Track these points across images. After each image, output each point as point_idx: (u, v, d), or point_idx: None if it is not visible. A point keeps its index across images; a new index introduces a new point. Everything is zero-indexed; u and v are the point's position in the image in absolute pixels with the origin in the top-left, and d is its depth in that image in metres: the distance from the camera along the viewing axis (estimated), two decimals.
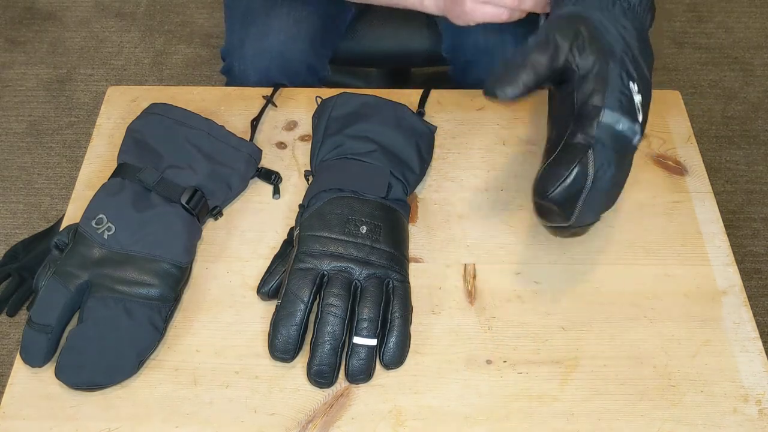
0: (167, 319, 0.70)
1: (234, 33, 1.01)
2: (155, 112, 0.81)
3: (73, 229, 0.72)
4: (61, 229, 0.75)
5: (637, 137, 0.69)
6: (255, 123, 0.85)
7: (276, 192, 0.81)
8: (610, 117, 0.67)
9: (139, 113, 0.82)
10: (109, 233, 0.71)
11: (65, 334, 0.69)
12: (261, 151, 0.83)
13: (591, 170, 0.66)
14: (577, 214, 0.68)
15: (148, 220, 0.73)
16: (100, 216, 0.72)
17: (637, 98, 0.68)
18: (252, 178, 0.81)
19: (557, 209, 0.68)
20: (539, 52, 0.69)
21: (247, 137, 0.84)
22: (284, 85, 0.91)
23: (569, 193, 0.66)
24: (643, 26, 0.72)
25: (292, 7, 0.97)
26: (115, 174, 0.76)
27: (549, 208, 0.69)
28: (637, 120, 0.68)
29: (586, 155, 0.66)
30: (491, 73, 0.70)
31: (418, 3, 0.85)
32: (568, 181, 0.66)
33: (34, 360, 0.67)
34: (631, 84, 0.68)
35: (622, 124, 0.67)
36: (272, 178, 0.81)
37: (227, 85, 1.01)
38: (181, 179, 0.76)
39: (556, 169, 0.67)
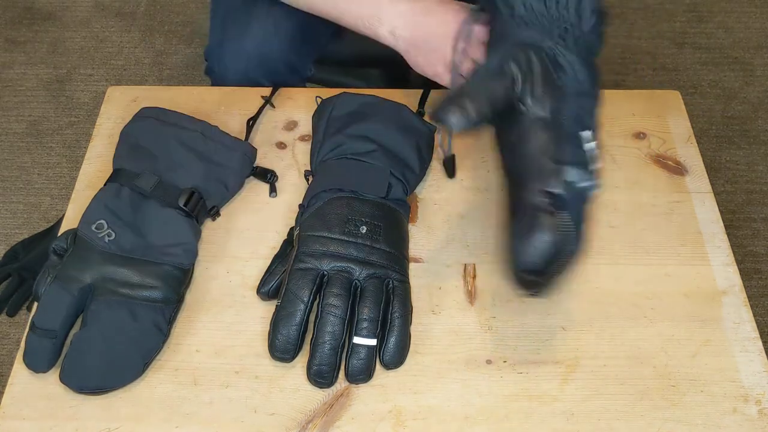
0: (171, 321, 0.70)
1: (215, 34, 1.01)
2: (148, 115, 0.81)
3: (72, 233, 0.72)
4: (60, 231, 0.75)
5: (592, 186, 0.63)
6: (251, 123, 0.85)
7: (272, 190, 0.81)
8: (570, 174, 0.62)
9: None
10: (110, 238, 0.71)
11: (68, 339, 0.68)
12: (256, 150, 0.83)
13: (565, 232, 0.62)
14: (556, 276, 0.64)
15: (148, 223, 0.73)
16: (100, 221, 0.72)
17: (589, 146, 0.63)
18: (248, 177, 0.81)
19: (541, 279, 0.64)
20: (494, 81, 0.64)
21: (245, 137, 0.84)
22: (279, 85, 0.91)
23: (551, 260, 0.62)
24: (591, 54, 0.67)
25: (272, 7, 0.97)
26: (112, 179, 0.76)
27: (532, 281, 0.65)
28: (589, 170, 0.63)
29: (554, 219, 0.61)
30: (442, 98, 0.64)
31: (373, 33, 0.82)
32: (550, 249, 0.61)
33: (39, 365, 0.67)
34: (581, 133, 0.63)
35: (582, 182, 0.62)
36: (268, 176, 0.81)
37: (212, 85, 1.01)
38: (177, 181, 0.76)
39: (530, 239, 0.62)
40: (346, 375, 0.67)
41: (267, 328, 0.69)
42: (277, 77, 0.97)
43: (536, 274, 0.63)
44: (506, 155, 0.68)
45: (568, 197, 0.62)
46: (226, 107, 0.89)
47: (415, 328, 0.70)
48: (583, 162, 0.63)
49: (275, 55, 0.97)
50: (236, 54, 0.97)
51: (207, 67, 1.02)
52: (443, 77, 0.79)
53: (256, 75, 0.97)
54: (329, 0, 0.85)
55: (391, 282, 0.70)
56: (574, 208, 0.63)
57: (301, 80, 1.03)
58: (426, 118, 0.84)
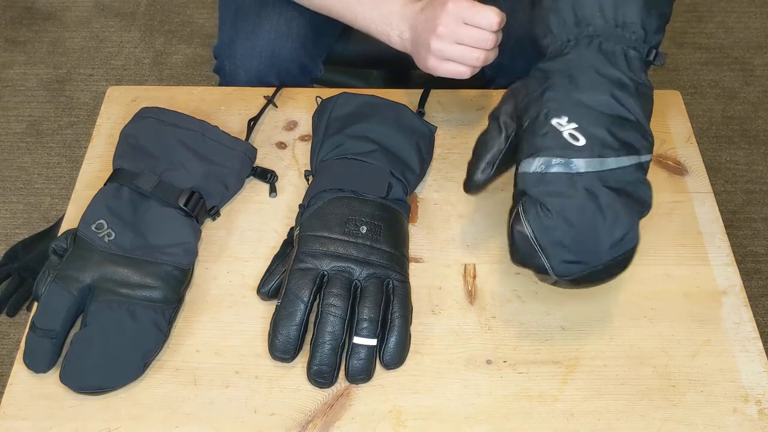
0: (171, 321, 0.70)
1: (225, 31, 1.01)
2: (147, 115, 0.81)
3: (72, 233, 0.72)
4: (60, 231, 0.75)
5: (578, 163, 0.66)
6: (252, 123, 0.85)
7: (273, 190, 0.81)
8: (527, 164, 0.68)
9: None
10: (110, 238, 0.71)
11: (68, 339, 0.69)
12: (256, 149, 0.83)
13: (525, 222, 0.66)
14: (549, 262, 0.66)
15: (147, 223, 0.73)
16: (100, 221, 0.72)
17: (568, 128, 0.67)
18: (248, 177, 0.81)
19: (531, 269, 0.68)
20: (489, 136, 0.73)
21: (245, 137, 0.84)
22: (286, 85, 0.91)
23: (525, 249, 0.67)
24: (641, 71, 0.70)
25: (284, 6, 0.96)
26: (112, 179, 0.76)
27: (530, 269, 0.69)
28: (571, 149, 0.66)
29: (517, 213, 0.67)
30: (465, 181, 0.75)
31: (385, 37, 0.84)
32: (515, 241, 0.67)
33: (39, 366, 0.67)
34: (554, 120, 0.67)
35: (554, 167, 0.66)
36: (268, 176, 0.81)
37: (219, 83, 1.01)
38: (177, 181, 0.76)
39: (509, 235, 0.69)
40: (346, 375, 0.67)
41: (267, 328, 0.69)
42: (288, 77, 0.97)
43: (523, 266, 0.69)
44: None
45: (528, 186, 0.67)
46: (226, 107, 0.89)
47: (415, 328, 0.70)
48: (552, 146, 0.67)
49: (287, 54, 0.97)
50: (248, 53, 0.97)
51: (216, 65, 1.02)
52: (438, 69, 0.79)
53: (268, 75, 0.96)
54: (344, 3, 0.85)
55: (391, 282, 0.70)
56: (541, 194, 0.67)
57: (311, 81, 1.03)
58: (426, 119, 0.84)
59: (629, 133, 0.67)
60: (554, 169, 0.66)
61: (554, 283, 0.69)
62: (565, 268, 0.66)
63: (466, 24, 0.76)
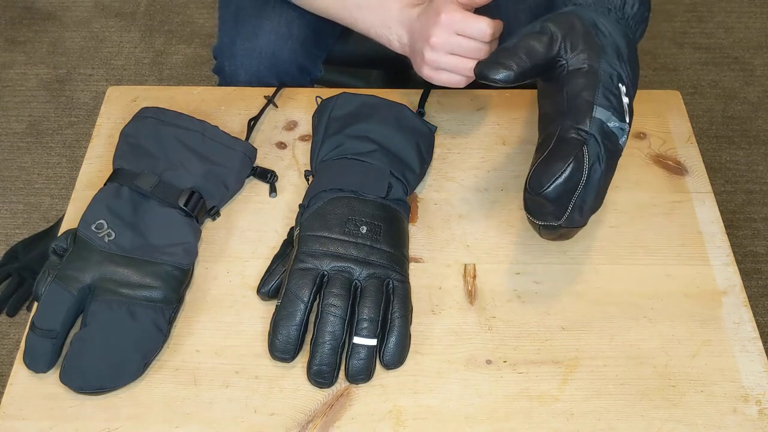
0: (171, 321, 0.70)
1: (225, 32, 1.01)
2: (147, 115, 0.81)
3: (72, 233, 0.72)
4: (60, 231, 0.75)
5: (624, 138, 0.69)
6: (252, 123, 0.85)
7: (273, 190, 0.81)
8: (601, 113, 0.67)
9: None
10: (110, 238, 0.71)
11: (68, 339, 0.68)
12: (256, 149, 0.83)
13: (586, 165, 0.66)
14: (569, 211, 0.67)
15: (147, 223, 0.73)
16: (100, 221, 0.72)
17: (626, 100, 0.69)
18: (248, 177, 0.81)
19: (551, 206, 0.67)
20: (534, 40, 0.70)
21: (245, 137, 0.84)
22: (286, 85, 0.91)
23: (564, 189, 0.66)
24: (634, 38, 0.73)
25: (284, 7, 0.97)
26: (112, 179, 0.76)
27: (542, 205, 0.68)
28: (625, 120, 0.69)
29: (581, 150, 0.66)
30: (487, 58, 0.71)
31: (386, 40, 0.84)
32: (564, 175, 0.65)
33: (39, 366, 0.67)
34: (620, 85, 0.69)
35: (613, 122, 0.68)
36: (268, 176, 0.81)
37: (219, 84, 1.01)
38: (177, 181, 0.76)
39: (551, 164, 0.66)
40: (346, 375, 0.67)
41: (267, 328, 0.69)
42: (288, 79, 0.97)
43: (549, 200, 0.66)
44: (544, 102, 0.73)
45: (596, 133, 0.66)
46: (226, 107, 0.89)
47: (415, 328, 0.70)
48: (615, 107, 0.68)
49: (287, 56, 0.97)
50: (248, 53, 0.97)
51: (216, 66, 1.02)
52: (433, 78, 0.80)
53: (268, 76, 0.97)
54: (344, 8, 0.86)
55: (391, 282, 0.70)
56: (599, 147, 0.67)
57: (311, 82, 1.03)
58: (428, 116, 0.84)
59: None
60: (615, 131, 0.68)
61: (542, 229, 0.70)
62: (571, 220, 0.68)
63: (458, 35, 0.76)
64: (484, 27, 0.75)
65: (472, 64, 0.76)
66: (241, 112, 0.88)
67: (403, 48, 0.83)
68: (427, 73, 0.80)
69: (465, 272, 0.75)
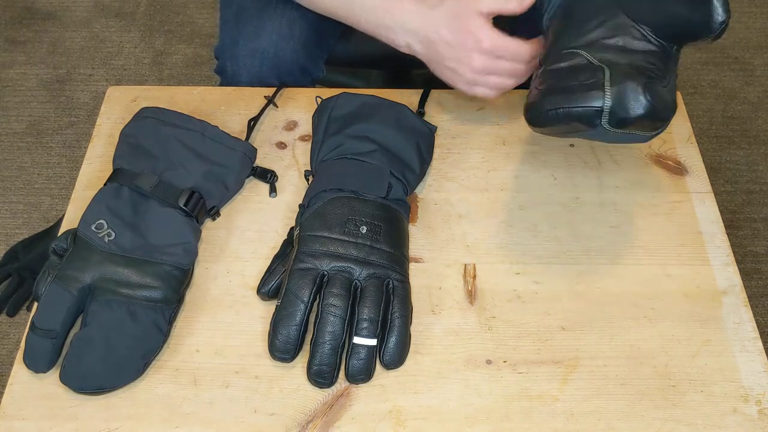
0: (171, 321, 0.70)
1: (227, 32, 1.01)
2: (148, 115, 0.81)
3: (72, 233, 0.72)
4: (60, 231, 0.75)
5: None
6: (252, 123, 0.85)
7: (273, 190, 0.81)
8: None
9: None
10: (110, 238, 0.71)
11: (68, 339, 0.68)
12: (256, 149, 0.83)
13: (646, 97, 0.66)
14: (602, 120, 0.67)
15: (148, 223, 0.73)
16: (100, 221, 0.72)
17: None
18: (248, 177, 0.81)
19: (580, 112, 0.67)
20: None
21: (245, 137, 0.84)
22: (286, 85, 0.91)
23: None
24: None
25: (286, 7, 0.97)
26: (112, 179, 0.76)
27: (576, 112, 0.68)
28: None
29: (651, 81, 0.66)
30: None
31: (391, 42, 0.84)
32: (654, 99, 0.66)
33: (39, 366, 0.67)
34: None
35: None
36: (268, 176, 0.81)
37: (221, 84, 1.01)
38: (177, 181, 0.76)
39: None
40: (346, 375, 0.67)
41: (267, 328, 0.69)
42: (290, 79, 0.97)
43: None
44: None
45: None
46: (226, 107, 0.89)
47: (415, 328, 0.70)
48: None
49: (289, 56, 0.97)
50: (251, 54, 0.97)
51: (218, 66, 1.02)
52: (468, 92, 0.83)
53: (269, 76, 0.97)
54: (348, 8, 0.86)
55: (391, 282, 0.70)
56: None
57: (312, 82, 1.03)
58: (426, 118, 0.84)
59: None
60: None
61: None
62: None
63: (499, 58, 0.79)
64: (523, 52, 0.79)
65: (512, 82, 0.81)
66: (241, 112, 0.88)
67: (412, 52, 0.84)
68: (463, 87, 0.82)
69: (465, 272, 0.75)
